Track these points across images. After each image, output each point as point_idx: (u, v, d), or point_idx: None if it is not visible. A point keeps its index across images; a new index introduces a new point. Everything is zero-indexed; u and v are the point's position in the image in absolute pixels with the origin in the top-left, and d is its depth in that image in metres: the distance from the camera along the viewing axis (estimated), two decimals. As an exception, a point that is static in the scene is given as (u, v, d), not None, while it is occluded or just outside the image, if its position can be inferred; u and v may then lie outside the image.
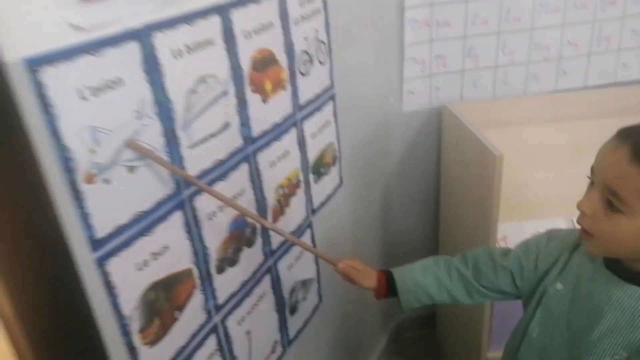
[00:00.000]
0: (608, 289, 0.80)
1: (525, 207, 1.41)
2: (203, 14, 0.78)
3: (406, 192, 1.73)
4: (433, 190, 1.74)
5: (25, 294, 0.64)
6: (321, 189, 1.25)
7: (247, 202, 0.95)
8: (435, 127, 1.63)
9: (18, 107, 0.54)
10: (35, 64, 0.54)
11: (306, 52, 1.08)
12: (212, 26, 0.80)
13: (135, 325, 0.73)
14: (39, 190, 0.59)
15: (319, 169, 1.22)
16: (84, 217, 0.63)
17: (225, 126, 0.86)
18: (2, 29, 0.51)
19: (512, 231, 1.39)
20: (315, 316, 1.31)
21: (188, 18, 0.75)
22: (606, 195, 0.74)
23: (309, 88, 1.11)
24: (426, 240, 1.83)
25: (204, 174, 0.83)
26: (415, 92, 1.56)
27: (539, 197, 1.45)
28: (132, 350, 0.73)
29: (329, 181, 1.29)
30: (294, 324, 1.20)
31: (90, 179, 0.63)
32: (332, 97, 1.23)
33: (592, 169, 0.76)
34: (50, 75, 0.56)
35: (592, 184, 0.77)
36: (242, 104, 0.89)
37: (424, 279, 1.00)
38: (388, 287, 1.02)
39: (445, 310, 1.84)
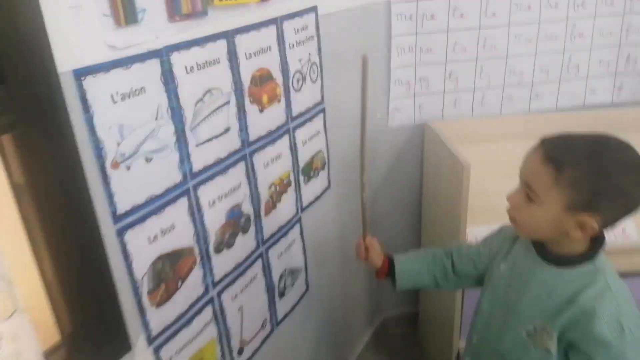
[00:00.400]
0: (534, 269, 0.97)
1: (496, 213, 1.56)
2: (212, 38, 0.96)
3: (391, 198, 1.89)
4: (416, 197, 1.91)
5: (62, 254, 0.82)
6: (310, 190, 1.42)
7: (243, 195, 1.13)
8: (418, 142, 1.80)
9: (66, 106, 0.72)
10: (80, 74, 0.72)
11: (299, 72, 1.26)
12: (219, 48, 0.98)
13: (144, 288, 0.90)
14: (76, 173, 0.76)
15: (308, 172, 1.39)
16: (109, 195, 0.81)
17: (227, 130, 1.04)
18: (58, 47, 0.69)
19: (484, 234, 1.55)
20: (303, 302, 1.47)
21: (200, 41, 0.93)
22: (525, 189, 0.90)
23: (301, 102, 1.29)
24: (409, 242, 1.99)
25: (207, 168, 1.00)
26: (401, 110, 1.74)
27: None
28: (141, 308, 0.90)
29: (318, 184, 1.46)
30: (282, 306, 1.36)
31: (115, 165, 0.80)
32: (322, 111, 1.41)
33: (520, 169, 0.93)
34: (91, 83, 0.74)
35: (520, 181, 0.94)
36: (241, 112, 1.07)
37: (417, 266, 1.20)
38: (388, 270, 1.21)
39: (426, 309, 2.00)
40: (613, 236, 1.58)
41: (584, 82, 1.78)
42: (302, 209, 1.40)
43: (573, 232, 0.87)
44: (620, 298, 0.90)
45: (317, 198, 1.47)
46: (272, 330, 1.34)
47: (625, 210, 0.87)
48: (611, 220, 0.88)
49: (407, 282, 1.20)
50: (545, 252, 0.95)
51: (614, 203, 0.85)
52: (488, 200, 1.61)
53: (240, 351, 1.21)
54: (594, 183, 0.83)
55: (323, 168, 1.48)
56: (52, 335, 0.86)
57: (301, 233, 1.41)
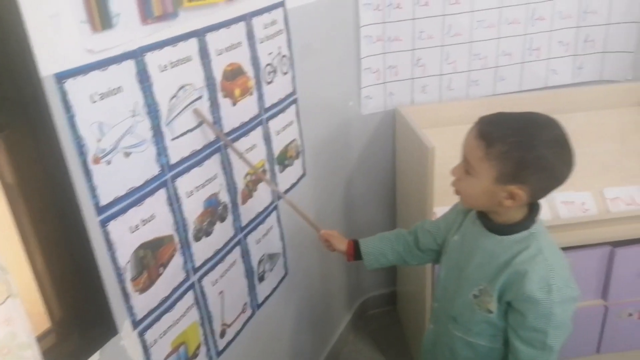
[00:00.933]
0: (479, 238, 1.08)
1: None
2: (184, 37, 1.01)
3: (367, 182, 1.97)
4: (390, 180, 1.99)
5: (50, 246, 0.87)
6: (286, 177, 1.48)
7: (220, 185, 1.18)
8: (390, 127, 1.87)
9: (49, 107, 0.77)
10: (61, 78, 0.77)
11: (270, 65, 1.31)
12: (191, 46, 1.03)
13: (128, 275, 0.95)
14: (60, 169, 0.81)
15: (283, 160, 1.45)
16: (92, 188, 0.86)
17: (201, 123, 1.09)
18: (40, 53, 0.74)
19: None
20: (282, 286, 1.54)
21: (172, 41, 0.98)
22: (464, 163, 1.01)
23: (273, 94, 1.35)
24: (386, 223, 2.07)
25: (184, 160, 1.06)
26: (372, 97, 1.81)
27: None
28: (125, 294, 0.96)
29: (293, 172, 1.52)
30: (262, 290, 1.43)
31: (96, 160, 0.85)
32: (295, 101, 1.46)
33: (462, 146, 1.03)
34: (71, 85, 0.78)
35: (462, 157, 1.04)
36: (214, 106, 1.13)
37: (381, 245, 1.29)
38: (355, 251, 1.31)
39: (403, 288, 2.09)
40: (573, 211, 1.68)
41: (546, 63, 1.87)
42: (279, 197, 1.46)
43: (505, 202, 0.98)
44: (551, 261, 1.01)
45: (293, 185, 1.54)
46: (253, 314, 1.40)
47: (552, 182, 0.97)
48: (539, 191, 0.98)
49: (374, 262, 1.30)
50: (488, 222, 1.06)
51: (539, 175, 0.95)
52: (455, 181, 1.70)
53: (222, 334, 1.27)
54: (519, 156, 0.93)
55: (297, 156, 1.54)
56: (43, 322, 0.92)
57: (278, 219, 1.47)
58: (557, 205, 1.67)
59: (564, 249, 1.67)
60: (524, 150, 0.93)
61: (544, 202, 1.68)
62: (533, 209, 1.04)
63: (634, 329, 1.81)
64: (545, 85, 1.90)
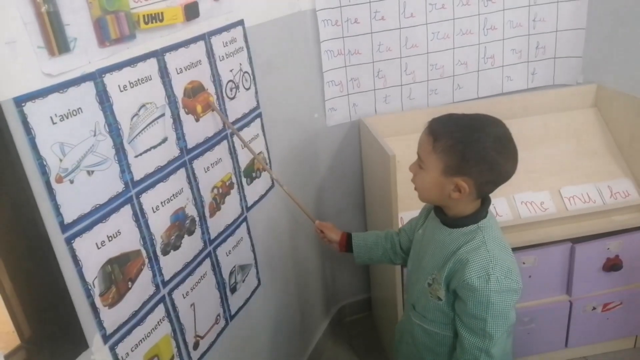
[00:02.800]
0: (435, 231, 1.17)
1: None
2: (142, 58, 1.05)
3: (337, 192, 2.02)
4: (359, 189, 2.04)
5: (16, 266, 0.89)
6: (254, 190, 1.52)
7: (186, 199, 1.22)
8: (355, 137, 1.93)
9: (9, 130, 0.80)
10: (21, 101, 0.80)
11: (232, 81, 1.36)
12: (150, 66, 1.07)
13: (96, 290, 0.98)
14: (23, 189, 0.84)
15: (250, 173, 1.49)
16: (56, 207, 0.88)
17: (164, 140, 1.13)
18: (-2, 79, 0.77)
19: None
20: (256, 297, 1.56)
21: (130, 62, 1.02)
22: (418, 159, 1.12)
23: (236, 109, 1.39)
24: (356, 229, 2.10)
25: (148, 176, 1.09)
26: (337, 109, 1.86)
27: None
28: (94, 309, 0.98)
29: (261, 184, 1.56)
30: (235, 301, 1.46)
31: (59, 180, 0.88)
32: (259, 115, 1.51)
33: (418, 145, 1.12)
34: (30, 108, 0.81)
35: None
36: (177, 123, 1.16)
37: (372, 241, 1.40)
38: (347, 244, 1.42)
39: (376, 294, 2.13)
40: (534, 210, 1.75)
41: (500, 70, 1.95)
42: (248, 208, 1.49)
43: (452, 194, 1.07)
44: (494, 253, 1.08)
45: (262, 197, 1.57)
46: (226, 324, 1.43)
47: (495, 176, 1.06)
48: (484, 184, 1.06)
49: (364, 256, 1.41)
50: (443, 216, 1.15)
51: (480, 167, 1.03)
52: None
53: (196, 345, 1.29)
54: (462, 150, 1.03)
55: (264, 169, 1.58)
56: (13, 341, 0.94)
57: (248, 231, 1.50)
58: (517, 206, 1.74)
59: (527, 247, 1.74)
60: (467, 144, 1.03)
61: (504, 203, 1.76)
62: (484, 204, 1.13)
63: (598, 322, 1.88)
64: (502, 91, 1.99)
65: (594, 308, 1.85)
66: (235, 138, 1.39)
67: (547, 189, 1.78)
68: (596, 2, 1.89)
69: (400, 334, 1.36)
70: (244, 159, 1.45)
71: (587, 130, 1.92)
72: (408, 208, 1.66)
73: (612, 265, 1.77)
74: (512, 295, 1.08)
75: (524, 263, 1.71)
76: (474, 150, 1.02)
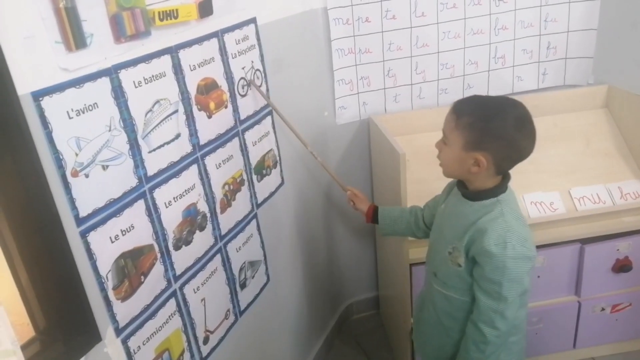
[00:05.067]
0: (457, 204, 1.25)
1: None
2: (157, 54, 1.06)
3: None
4: (367, 187, 2.04)
5: (32, 258, 0.91)
6: (264, 187, 1.53)
7: (198, 194, 1.23)
8: (365, 136, 1.93)
9: (27, 124, 0.81)
10: (38, 96, 0.81)
11: (244, 79, 1.37)
12: (164, 63, 1.08)
13: (109, 284, 0.99)
14: (39, 182, 0.85)
15: (261, 170, 1.50)
16: (71, 201, 0.89)
17: (177, 136, 1.14)
18: (17, 72, 0.78)
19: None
20: (265, 293, 1.57)
21: (145, 58, 1.03)
22: (443, 136, 1.20)
23: (248, 106, 1.40)
24: (363, 229, 2.12)
25: (161, 172, 1.10)
26: (347, 108, 1.87)
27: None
28: (107, 302, 0.99)
29: (272, 181, 1.57)
30: (245, 297, 1.47)
31: (75, 174, 0.89)
32: (270, 113, 1.52)
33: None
34: (48, 103, 0.83)
35: None
36: (190, 119, 1.17)
37: (397, 215, 1.50)
38: (374, 215, 1.52)
39: (385, 292, 2.13)
40: (543, 210, 1.75)
41: (511, 70, 1.95)
42: (258, 205, 1.50)
43: (471, 168, 1.14)
44: (511, 223, 1.15)
45: (272, 194, 1.58)
46: (236, 320, 1.44)
47: (512, 153, 1.13)
48: (502, 160, 1.13)
49: (388, 228, 1.51)
50: (464, 190, 1.23)
51: (499, 143, 1.11)
52: (427, 186, 1.76)
53: (206, 340, 1.30)
54: (482, 126, 1.11)
55: (275, 166, 1.59)
56: (28, 332, 0.95)
57: (258, 227, 1.51)
58: (527, 206, 1.74)
59: (536, 247, 1.74)
60: (487, 121, 1.11)
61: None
62: (504, 180, 1.20)
63: (607, 323, 1.87)
64: (512, 91, 1.98)
65: (603, 309, 1.85)
66: (247, 135, 1.40)
67: (557, 190, 1.78)
68: (608, 3, 1.89)
69: (422, 301, 1.44)
70: (255, 155, 1.46)
71: (597, 131, 1.92)
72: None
73: (622, 266, 1.76)
74: (526, 262, 1.15)
75: (532, 263, 1.71)
76: (493, 127, 1.10)
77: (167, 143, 1.11)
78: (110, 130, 0.95)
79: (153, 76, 1.05)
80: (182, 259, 1.19)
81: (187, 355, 1.23)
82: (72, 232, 0.90)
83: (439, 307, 1.32)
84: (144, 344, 1.09)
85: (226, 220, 1.35)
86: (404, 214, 1.48)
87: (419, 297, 1.50)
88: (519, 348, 1.31)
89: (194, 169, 1.21)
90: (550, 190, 1.77)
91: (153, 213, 1.09)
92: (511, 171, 1.20)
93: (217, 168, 1.29)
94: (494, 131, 1.11)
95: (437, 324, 1.34)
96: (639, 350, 1.98)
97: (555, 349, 1.92)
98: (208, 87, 1.23)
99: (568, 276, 1.80)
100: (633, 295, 1.84)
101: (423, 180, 1.70)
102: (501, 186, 1.19)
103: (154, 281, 1.11)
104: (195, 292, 1.25)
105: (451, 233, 1.24)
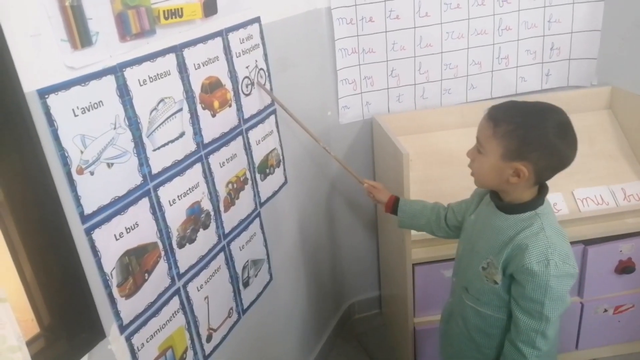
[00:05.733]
0: (490, 216, 1.19)
1: (437, 197, 1.71)
2: (162, 53, 1.06)
3: (348, 189, 2.02)
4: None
5: (37, 255, 0.91)
6: (268, 186, 1.53)
7: (202, 193, 1.23)
8: (368, 136, 1.94)
9: (32, 122, 0.81)
10: (44, 93, 0.82)
11: (248, 78, 1.37)
12: (169, 61, 1.09)
13: (114, 281, 0.99)
14: (45, 180, 0.86)
15: (264, 169, 1.50)
16: (76, 198, 0.90)
17: (182, 135, 1.14)
18: (23, 70, 0.79)
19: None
20: (268, 291, 1.58)
21: (150, 57, 1.03)
22: (477, 144, 1.14)
23: (252, 105, 1.40)
24: (366, 229, 2.13)
25: (166, 170, 1.10)
26: (350, 107, 1.87)
27: (449, 189, 1.75)
28: (112, 300, 1.00)
29: (275, 180, 1.57)
30: (247, 296, 1.47)
31: (80, 171, 0.90)
32: (274, 112, 1.52)
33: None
34: (53, 100, 0.83)
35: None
36: (194, 118, 1.18)
37: (418, 209, 1.45)
38: (393, 206, 1.48)
39: (387, 292, 2.13)
40: (546, 210, 1.74)
41: (515, 71, 1.95)
42: (261, 204, 1.51)
43: (511, 179, 1.08)
44: (552, 239, 1.10)
45: (275, 193, 1.59)
46: (239, 318, 1.44)
47: (554, 162, 1.07)
48: (543, 170, 1.07)
49: (407, 221, 1.47)
50: (499, 202, 1.17)
51: (540, 152, 1.05)
52: (430, 186, 1.76)
53: (209, 338, 1.31)
54: (522, 134, 1.05)
55: (279, 165, 1.59)
56: (33, 328, 0.95)
57: (261, 226, 1.52)
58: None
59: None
60: (527, 129, 1.05)
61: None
62: (541, 191, 1.15)
63: (609, 324, 1.87)
64: (515, 92, 1.98)
65: (606, 310, 1.85)
66: (250, 133, 1.41)
67: (560, 191, 1.78)
68: (612, 4, 1.88)
69: (449, 315, 1.39)
70: (259, 154, 1.46)
71: (601, 132, 1.91)
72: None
73: (625, 267, 1.76)
74: (569, 279, 1.11)
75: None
76: (534, 134, 1.04)
77: (172, 141, 1.12)
78: (115, 128, 0.96)
79: (158, 74, 1.06)
80: (186, 257, 1.20)
81: (190, 353, 1.23)
82: (77, 229, 0.91)
83: (470, 323, 1.26)
84: (147, 342, 1.10)
85: (230, 219, 1.35)
86: (426, 210, 1.43)
87: (445, 309, 1.43)
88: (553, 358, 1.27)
89: (198, 167, 1.21)
90: (553, 191, 1.75)
91: (157, 211, 1.09)
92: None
93: (221, 167, 1.30)
94: (535, 139, 1.04)
95: (468, 340, 1.29)
96: (642, 352, 1.98)
97: (558, 349, 1.90)
98: (212, 86, 1.23)
99: (571, 277, 1.80)
100: (636, 296, 1.84)
101: (426, 180, 1.71)
102: (539, 198, 1.13)
103: (158, 279, 1.11)
104: (198, 290, 1.25)
105: (486, 248, 1.18)
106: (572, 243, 1.71)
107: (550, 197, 1.73)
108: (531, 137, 1.04)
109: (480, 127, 1.13)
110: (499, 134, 1.06)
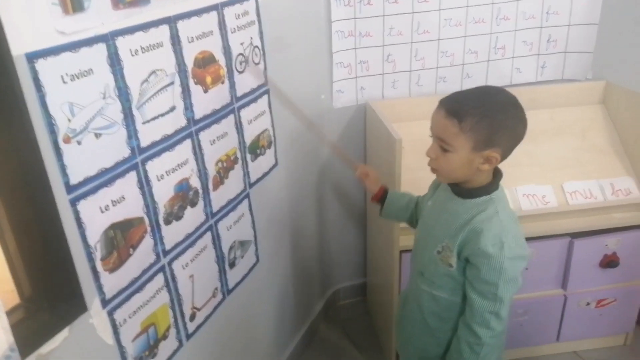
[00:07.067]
0: (447, 201, 1.21)
1: (428, 185, 1.71)
2: (155, 23, 1.04)
3: (338, 174, 2.01)
4: (361, 173, 2.03)
5: (20, 225, 0.89)
6: (258, 167, 1.52)
7: (191, 170, 1.21)
8: (361, 121, 1.92)
9: (20, 86, 0.79)
10: (33, 57, 0.79)
11: (242, 55, 1.35)
12: (162, 33, 1.06)
13: (97, 254, 0.98)
14: (31, 147, 0.83)
15: (255, 149, 1.49)
16: (62, 167, 0.88)
17: (172, 109, 1.12)
18: (12, 33, 0.76)
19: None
20: (253, 273, 1.57)
21: (143, 27, 1.01)
22: (439, 143, 1.12)
23: (245, 83, 1.38)
24: (356, 214, 2.12)
25: (155, 144, 1.08)
26: (344, 91, 1.85)
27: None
28: (95, 273, 0.98)
29: (265, 161, 1.56)
30: (233, 276, 1.46)
31: (67, 140, 0.88)
32: (267, 92, 1.50)
33: (431, 129, 1.15)
34: (42, 65, 0.81)
35: (433, 138, 1.15)
36: (186, 92, 1.15)
37: (403, 202, 1.45)
38: (381, 197, 1.46)
39: (372, 280, 2.14)
40: (535, 203, 1.75)
41: (510, 62, 1.94)
42: (251, 185, 1.49)
43: (482, 167, 1.11)
44: (505, 222, 1.13)
45: (265, 174, 1.57)
46: (223, 299, 1.43)
47: (516, 141, 1.11)
48: (507, 149, 1.12)
49: (391, 213, 1.46)
50: (456, 187, 1.19)
51: (507, 136, 1.09)
52: (422, 173, 1.75)
53: (193, 317, 1.30)
54: (489, 123, 1.06)
55: (270, 146, 1.57)
56: (13, 299, 0.94)
57: (250, 207, 1.50)
58: (519, 197, 1.74)
59: (526, 239, 1.75)
60: (491, 117, 1.06)
61: (506, 194, 1.76)
62: (496, 176, 1.17)
63: (591, 317, 1.89)
64: (510, 83, 1.98)
65: (588, 303, 1.87)
66: (242, 112, 1.38)
67: (550, 183, 1.78)
68: (611, -2, 1.88)
69: (404, 301, 1.40)
70: (250, 134, 1.44)
71: (593, 126, 1.92)
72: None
73: (609, 262, 1.78)
74: (521, 261, 1.14)
75: (521, 255, 1.72)
76: (498, 120, 1.07)
77: (162, 115, 1.09)
78: (104, 98, 0.93)
79: (150, 45, 1.03)
80: (172, 234, 1.18)
81: (173, 331, 1.22)
82: (62, 199, 0.89)
83: (425, 307, 1.28)
84: (130, 317, 1.08)
85: (218, 198, 1.34)
86: (411, 204, 1.44)
87: (402, 295, 1.45)
88: (502, 342, 1.28)
89: (187, 143, 1.19)
90: (543, 184, 1.78)
91: (145, 185, 1.07)
92: (505, 163, 1.16)
93: (212, 144, 1.28)
94: (501, 124, 1.07)
95: (422, 324, 1.30)
96: (621, 346, 2.01)
97: (539, 341, 1.93)
98: (205, 61, 1.21)
99: (556, 269, 1.81)
100: (618, 291, 1.86)
101: (418, 168, 1.68)
102: (494, 183, 1.16)
103: (143, 255, 1.10)
104: (183, 269, 1.24)
105: (441, 232, 1.20)
106: (558, 236, 1.75)
107: (540, 189, 1.76)
108: (497, 123, 1.07)
109: (441, 125, 1.10)
110: (466, 128, 1.06)
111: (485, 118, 1.06)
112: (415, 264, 1.33)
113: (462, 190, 1.17)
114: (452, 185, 1.19)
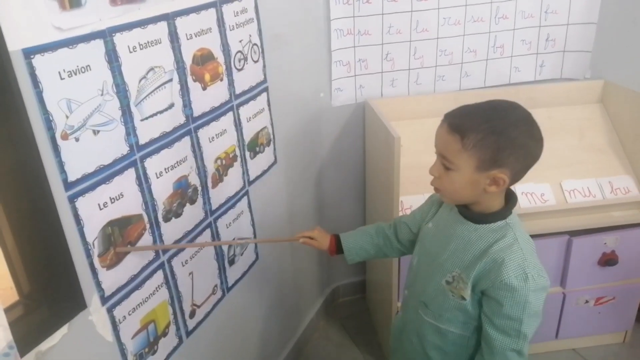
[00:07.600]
0: (455, 225, 1.09)
1: (427, 184, 1.70)
2: (153, 20, 1.04)
3: (337, 172, 2.02)
4: (360, 170, 2.04)
5: (18, 221, 0.89)
6: (257, 164, 1.51)
7: (190, 167, 1.21)
8: (360, 119, 1.92)
9: (17, 82, 0.79)
10: (29, 53, 0.79)
11: (241, 52, 1.35)
12: (160, 30, 1.06)
13: (96, 251, 0.98)
14: (28, 143, 0.83)
15: (254, 147, 1.49)
16: (60, 164, 0.87)
17: (171, 106, 1.12)
18: (9, 28, 0.76)
19: (418, 202, 1.69)
20: (253, 271, 1.57)
21: (141, 23, 1.01)
22: (441, 160, 1.03)
23: (244, 81, 1.38)
24: (355, 212, 2.12)
25: (153, 141, 1.08)
26: (343, 90, 1.85)
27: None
28: (93, 270, 0.98)
29: (264, 159, 1.56)
30: (233, 274, 1.46)
31: (65, 137, 0.87)
32: (266, 90, 1.50)
33: (435, 145, 1.05)
34: (39, 61, 0.81)
35: (437, 155, 1.06)
36: (184, 89, 1.15)
37: (362, 239, 1.31)
38: (337, 247, 1.32)
39: (372, 277, 2.14)
40: (534, 201, 1.76)
41: (509, 61, 1.94)
42: (250, 182, 1.49)
43: (488, 188, 0.99)
44: (526, 250, 1.03)
45: (264, 172, 1.57)
46: (223, 296, 1.43)
47: (528, 160, 1.00)
48: (519, 171, 1.00)
49: (355, 256, 1.32)
50: (466, 210, 1.08)
51: (516, 154, 0.97)
52: (421, 173, 1.75)
53: (192, 314, 1.30)
54: (494, 140, 0.96)
55: (269, 144, 1.57)
56: (12, 296, 0.93)
57: (249, 205, 1.50)
58: (518, 196, 1.74)
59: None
60: (498, 134, 0.96)
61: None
62: (510, 199, 1.07)
63: (590, 315, 1.90)
64: (509, 82, 1.98)
65: (587, 301, 1.87)
66: (241, 110, 1.38)
67: (548, 182, 1.78)
68: (609, -3, 1.88)
69: (401, 330, 1.30)
70: (249, 132, 1.44)
71: (591, 125, 1.92)
72: (408, 192, 1.66)
73: (608, 260, 1.78)
74: (544, 292, 1.04)
75: (520, 253, 1.72)
76: (505, 138, 0.96)
77: (160, 112, 1.09)
78: (102, 95, 0.93)
79: (148, 42, 1.03)
80: (171, 231, 1.18)
81: (172, 328, 1.22)
82: (60, 196, 0.89)
83: (428, 340, 1.18)
84: (129, 314, 1.08)
85: (217, 195, 1.34)
86: (371, 238, 1.31)
87: (397, 323, 1.34)
88: None
89: (186, 140, 1.19)
90: (541, 182, 1.78)
91: (143, 182, 1.07)
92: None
93: (210, 142, 1.28)
94: (508, 143, 0.96)
95: (422, 357, 1.21)
96: (620, 344, 2.01)
97: (538, 339, 1.93)
98: (204, 58, 1.21)
99: (554, 267, 1.81)
100: (617, 289, 1.86)
101: (416, 166, 1.68)
102: (509, 207, 1.05)
103: (142, 252, 1.10)
104: (183, 266, 1.24)
105: (451, 260, 1.09)
106: (557, 234, 1.75)
107: (539, 187, 1.77)
108: (504, 142, 0.96)
109: (445, 142, 1.01)
110: (469, 145, 0.96)
111: (491, 135, 0.95)
112: (416, 293, 1.21)
113: (474, 214, 1.06)
114: (461, 208, 1.08)
